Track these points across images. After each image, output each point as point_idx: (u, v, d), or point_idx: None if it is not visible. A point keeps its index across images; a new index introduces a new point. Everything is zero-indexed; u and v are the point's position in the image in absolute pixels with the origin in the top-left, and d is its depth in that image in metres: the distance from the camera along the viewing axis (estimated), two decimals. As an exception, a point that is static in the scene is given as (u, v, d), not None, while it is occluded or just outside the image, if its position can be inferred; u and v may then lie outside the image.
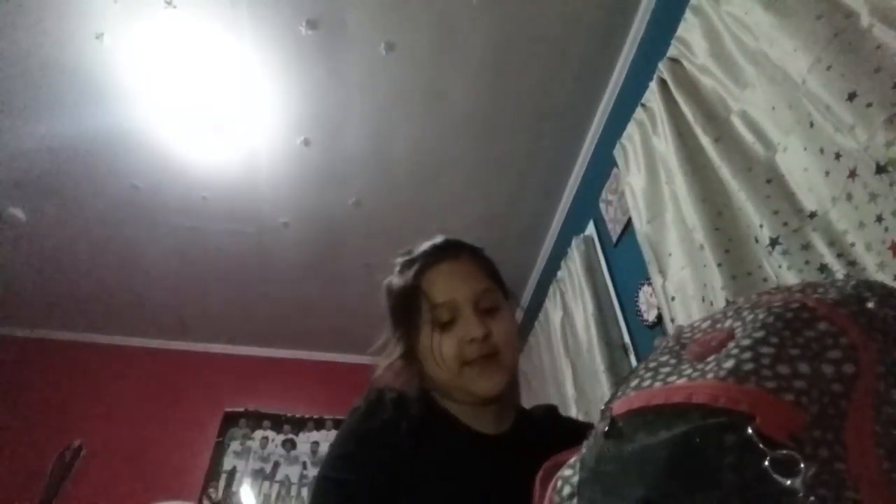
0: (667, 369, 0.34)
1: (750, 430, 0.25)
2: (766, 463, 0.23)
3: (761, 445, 0.24)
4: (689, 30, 1.30)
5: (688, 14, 1.31)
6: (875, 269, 0.80)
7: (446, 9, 1.65)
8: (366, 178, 2.24)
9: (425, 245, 0.78)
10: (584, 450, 0.35)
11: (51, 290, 2.86)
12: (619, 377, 1.68)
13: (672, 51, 1.38)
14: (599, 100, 1.95)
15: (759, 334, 0.31)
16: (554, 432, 0.71)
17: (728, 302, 0.41)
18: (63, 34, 1.69)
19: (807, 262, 0.91)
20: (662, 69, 1.39)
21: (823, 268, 0.88)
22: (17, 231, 2.43)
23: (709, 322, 0.38)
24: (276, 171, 2.19)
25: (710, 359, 0.32)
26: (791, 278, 0.92)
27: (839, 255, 0.86)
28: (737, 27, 1.13)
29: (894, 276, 0.76)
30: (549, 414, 0.80)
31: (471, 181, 2.28)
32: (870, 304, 0.31)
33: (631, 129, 1.60)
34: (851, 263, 0.84)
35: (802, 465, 0.23)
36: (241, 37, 1.71)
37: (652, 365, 0.36)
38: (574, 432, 0.73)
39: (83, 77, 1.82)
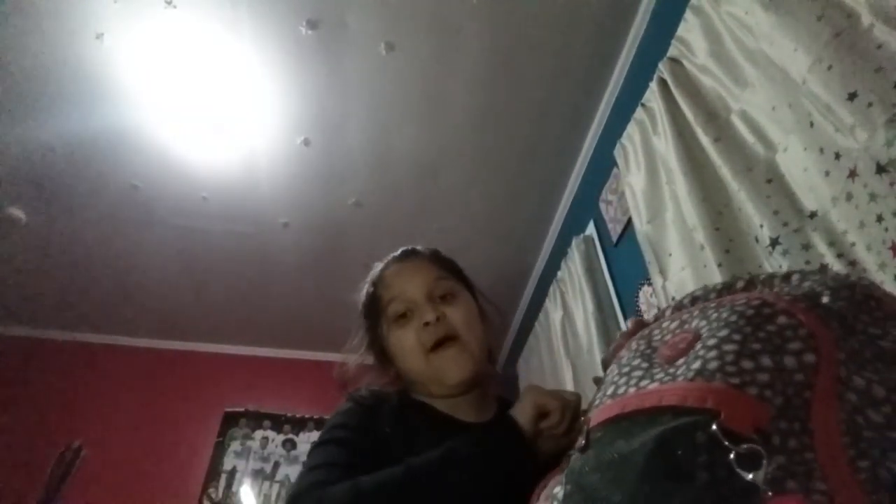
0: (639, 373, 0.35)
1: (714, 427, 0.25)
2: (732, 457, 0.24)
3: (725, 441, 0.24)
4: (690, 30, 1.30)
5: (688, 14, 1.31)
6: (875, 269, 0.80)
7: (446, 9, 1.65)
8: (366, 178, 2.24)
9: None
10: (569, 463, 0.35)
11: (51, 290, 2.85)
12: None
13: (672, 51, 1.38)
14: (599, 99, 1.95)
15: (723, 333, 0.31)
16: None
17: (694, 298, 0.41)
18: (63, 34, 1.69)
19: (807, 263, 0.91)
20: (662, 69, 1.39)
21: (824, 268, 0.88)
22: (17, 231, 2.43)
23: (677, 322, 0.38)
24: (276, 171, 2.19)
25: (679, 361, 0.33)
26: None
27: (839, 255, 0.86)
28: (737, 27, 1.13)
29: (894, 275, 0.76)
30: None
31: (471, 181, 2.28)
32: (824, 299, 0.32)
33: (631, 128, 1.60)
34: (851, 263, 0.84)
35: (764, 459, 0.23)
36: (241, 37, 1.71)
37: (625, 370, 0.36)
38: None
39: (83, 77, 1.82)
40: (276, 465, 3.06)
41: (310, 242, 2.58)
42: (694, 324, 0.36)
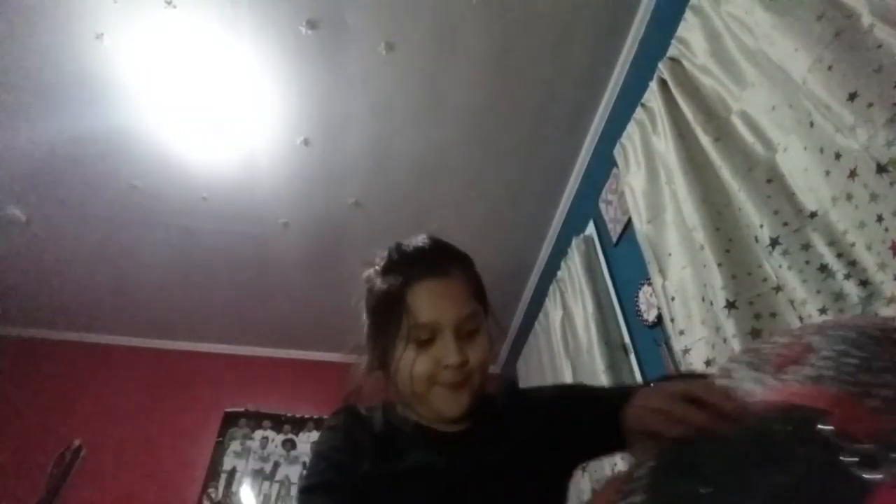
0: (748, 379, 0.35)
1: (825, 425, 0.26)
2: (843, 456, 0.24)
3: (837, 440, 0.25)
4: (690, 30, 1.30)
5: (688, 14, 1.31)
6: (875, 269, 0.79)
7: (446, 9, 1.65)
8: (365, 178, 2.24)
9: (413, 247, 0.74)
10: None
11: (51, 290, 2.85)
12: (619, 377, 1.68)
13: (672, 51, 1.38)
14: (600, 99, 1.95)
15: (841, 347, 0.32)
16: (517, 418, 0.72)
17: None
18: (63, 34, 1.69)
19: (807, 262, 0.91)
20: (662, 69, 1.39)
21: (823, 268, 0.88)
22: (17, 231, 2.43)
23: (787, 338, 0.39)
24: (276, 171, 2.19)
25: (790, 369, 0.33)
26: (791, 278, 0.92)
27: (839, 255, 0.86)
28: (737, 27, 1.13)
29: (894, 275, 0.76)
30: (510, 398, 0.79)
31: (471, 181, 2.28)
32: None
33: (631, 128, 1.60)
34: (852, 263, 0.84)
35: (884, 464, 0.24)
36: (241, 37, 1.71)
37: (734, 377, 0.37)
38: (535, 408, 0.73)
39: (83, 77, 1.82)
40: (276, 465, 3.06)
41: (310, 242, 2.58)
42: (806, 339, 0.36)
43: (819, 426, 0.26)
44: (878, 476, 0.23)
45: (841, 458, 0.24)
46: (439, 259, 0.73)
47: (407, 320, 0.67)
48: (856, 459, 0.24)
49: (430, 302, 0.68)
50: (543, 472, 0.66)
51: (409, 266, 0.71)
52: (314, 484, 0.63)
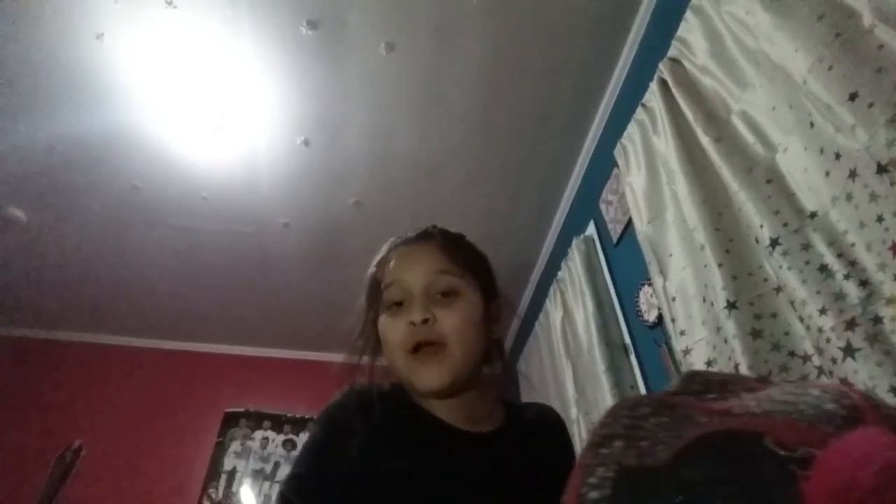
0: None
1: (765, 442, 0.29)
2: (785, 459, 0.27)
3: (776, 448, 0.28)
4: (690, 30, 1.30)
5: (688, 14, 1.31)
6: (875, 269, 0.79)
7: (446, 9, 1.65)
8: (366, 178, 2.24)
9: (407, 233, 0.77)
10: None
11: (51, 291, 2.85)
12: (620, 377, 1.68)
13: (672, 51, 1.38)
14: (600, 100, 1.95)
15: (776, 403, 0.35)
16: (541, 448, 0.68)
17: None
18: (63, 34, 1.69)
19: (807, 263, 0.91)
20: (663, 69, 1.39)
21: (823, 268, 0.88)
22: (17, 231, 2.42)
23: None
24: (276, 171, 2.19)
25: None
26: (791, 278, 0.92)
27: (839, 256, 0.86)
28: (737, 27, 1.13)
29: (894, 275, 0.76)
30: (545, 422, 0.74)
31: (471, 181, 2.28)
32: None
33: (631, 129, 1.59)
34: (851, 263, 0.84)
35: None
36: (241, 37, 1.71)
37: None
38: (560, 456, 0.67)
39: (83, 77, 1.81)
40: (277, 466, 3.06)
41: (310, 242, 2.58)
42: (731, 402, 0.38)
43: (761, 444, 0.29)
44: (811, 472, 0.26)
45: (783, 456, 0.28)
46: (422, 232, 0.75)
47: (382, 286, 0.68)
48: (794, 457, 0.27)
49: (398, 263, 0.69)
50: None
51: (391, 246, 0.74)
52: (291, 476, 0.59)
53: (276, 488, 2.98)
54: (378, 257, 0.74)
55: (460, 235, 0.78)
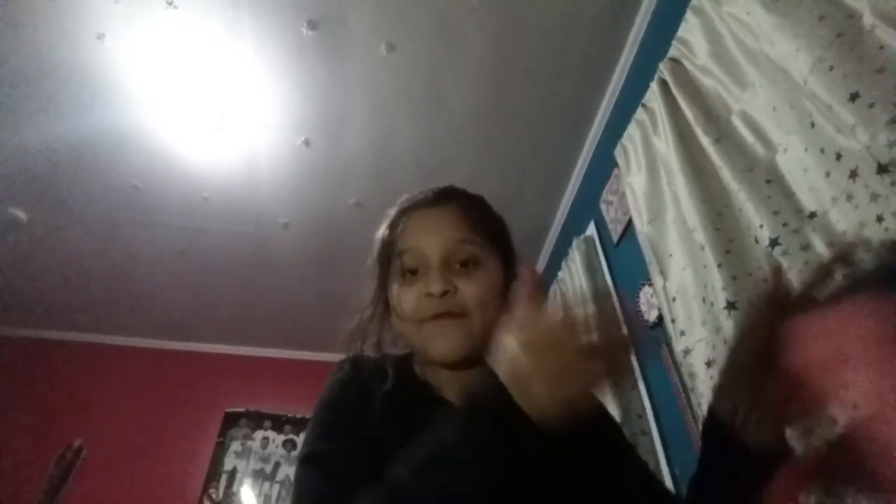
0: None
1: None
2: None
3: None
4: (690, 30, 1.30)
5: (688, 14, 1.31)
6: (876, 269, 0.79)
7: (447, 10, 1.65)
8: (366, 178, 2.24)
9: (421, 192, 0.71)
10: None
11: (51, 291, 2.86)
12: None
13: (673, 51, 1.38)
14: (600, 100, 1.95)
15: None
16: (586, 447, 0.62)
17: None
18: (64, 34, 1.69)
19: (806, 263, 0.91)
20: (663, 69, 1.39)
21: (824, 268, 0.88)
22: (17, 231, 2.43)
23: None
24: (276, 171, 2.19)
25: None
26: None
27: (840, 256, 0.85)
28: (738, 28, 1.13)
29: (895, 276, 0.76)
30: (597, 419, 0.67)
31: (471, 182, 2.23)
32: None
33: (632, 129, 1.59)
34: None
35: None
36: (241, 37, 1.71)
37: None
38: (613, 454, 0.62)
39: (84, 77, 1.82)
40: (277, 466, 3.07)
41: (310, 242, 2.58)
42: None
43: None
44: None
45: None
46: (441, 193, 0.70)
47: (395, 251, 0.63)
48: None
49: (415, 229, 0.64)
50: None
51: (408, 203, 0.69)
52: (308, 454, 0.54)
53: (277, 488, 3.00)
54: (389, 219, 0.69)
55: (481, 198, 0.74)
